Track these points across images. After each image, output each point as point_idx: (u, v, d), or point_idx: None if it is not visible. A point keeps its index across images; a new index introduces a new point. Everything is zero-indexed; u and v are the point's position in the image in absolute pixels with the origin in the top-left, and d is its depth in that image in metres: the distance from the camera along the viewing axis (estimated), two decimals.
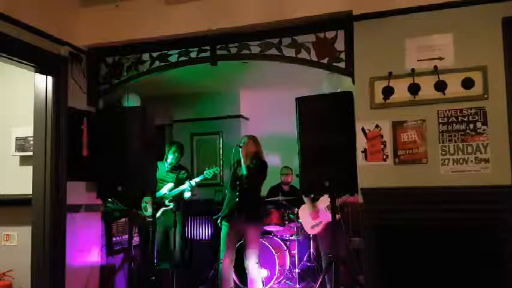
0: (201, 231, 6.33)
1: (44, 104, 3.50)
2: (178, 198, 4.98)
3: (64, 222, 3.51)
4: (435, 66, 2.95)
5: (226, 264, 4.05)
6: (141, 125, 3.57)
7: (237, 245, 4.20)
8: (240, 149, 4.06)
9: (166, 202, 4.94)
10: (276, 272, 4.86)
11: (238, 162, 4.12)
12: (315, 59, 3.32)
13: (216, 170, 5.04)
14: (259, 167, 4.10)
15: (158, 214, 4.91)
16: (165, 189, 4.96)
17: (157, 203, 4.90)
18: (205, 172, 5.01)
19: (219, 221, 4.15)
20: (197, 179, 4.98)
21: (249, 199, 4.06)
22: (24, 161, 3.76)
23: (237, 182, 4.08)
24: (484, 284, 2.76)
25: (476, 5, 2.90)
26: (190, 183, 4.94)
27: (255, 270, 4.06)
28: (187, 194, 5.00)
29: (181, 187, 4.96)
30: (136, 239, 4.29)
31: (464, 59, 2.90)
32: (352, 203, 4.37)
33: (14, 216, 3.66)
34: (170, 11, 3.54)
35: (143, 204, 4.84)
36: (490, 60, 2.85)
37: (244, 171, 4.03)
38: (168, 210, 4.89)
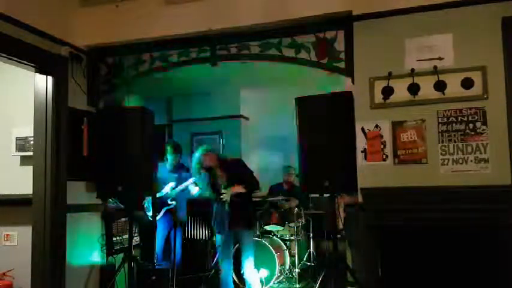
0: (201, 231, 6.32)
1: (44, 104, 3.50)
2: (180, 197, 4.98)
3: (64, 222, 3.51)
4: (435, 66, 2.95)
5: (227, 270, 4.08)
6: (141, 125, 3.57)
7: (234, 248, 4.23)
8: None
9: (169, 201, 4.93)
10: (276, 272, 4.85)
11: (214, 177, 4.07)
12: (314, 59, 3.33)
13: None
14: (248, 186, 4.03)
15: (161, 214, 4.90)
16: (167, 188, 4.96)
17: (160, 203, 4.90)
18: None
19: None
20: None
21: (239, 209, 3.99)
22: (24, 161, 3.76)
23: (221, 197, 3.99)
24: (484, 284, 2.76)
25: (476, 5, 2.90)
26: (196, 177, 4.89)
27: (252, 275, 4.08)
28: (195, 191, 4.98)
29: (185, 184, 4.94)
30: (136, 239, 4.29)
31: (463, 59, 2.91)
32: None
33: (14, 216, 3.66)
34: (170, 11, 3.54)
35: (146, 205, 4.84)
36: (489, 60, 2.85)
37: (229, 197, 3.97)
38: (170, 210, 4.88)
